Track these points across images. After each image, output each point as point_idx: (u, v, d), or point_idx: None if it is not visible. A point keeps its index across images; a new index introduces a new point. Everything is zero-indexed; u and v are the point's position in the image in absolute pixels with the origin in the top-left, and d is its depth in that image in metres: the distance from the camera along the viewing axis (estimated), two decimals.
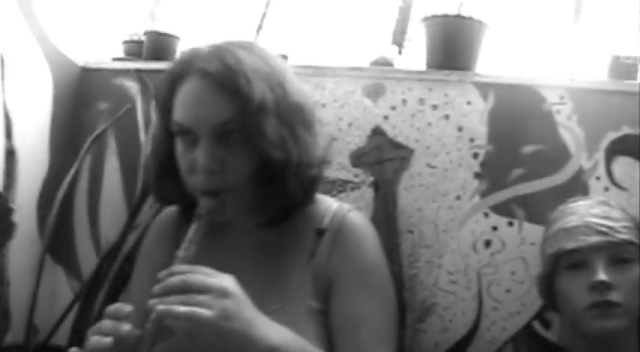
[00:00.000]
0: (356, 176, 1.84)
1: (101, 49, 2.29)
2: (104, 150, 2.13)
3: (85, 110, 2.19)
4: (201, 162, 1.15)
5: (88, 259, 2.10)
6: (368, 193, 1.83)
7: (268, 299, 1.18)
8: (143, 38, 2.24)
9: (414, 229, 1.79)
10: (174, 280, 1.03)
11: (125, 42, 2.29)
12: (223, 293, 1.03)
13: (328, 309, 1.23)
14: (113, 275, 1.89)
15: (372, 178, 1.83)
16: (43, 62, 2.09)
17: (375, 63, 1.92)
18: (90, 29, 2.25)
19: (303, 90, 1.28)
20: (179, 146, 1.21)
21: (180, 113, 1.19)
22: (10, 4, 1.93)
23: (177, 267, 1.07)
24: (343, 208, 1.31)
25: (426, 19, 1.86)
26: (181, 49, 2.19)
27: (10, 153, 1.84)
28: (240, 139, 1.17)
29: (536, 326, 1.69)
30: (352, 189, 1.84)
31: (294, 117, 1.22)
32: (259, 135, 1.16)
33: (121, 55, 2.30)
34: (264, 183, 1.19)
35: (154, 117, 1.98)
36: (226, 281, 1.05)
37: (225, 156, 1.17)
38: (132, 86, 2.12)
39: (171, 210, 1.41)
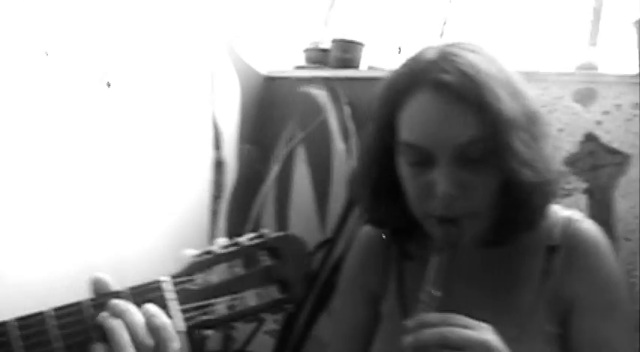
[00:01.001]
0: (568, 183, 1.80)
1: (281, 58, 2.32)
2: (293, 158, 2.15)
3: (270, 118, 2.21)
4: (441, 188, 1.02)
5: None
6: (581, 200, 1.79)
7: (503, 326, 1.03)
8: (325, 46, 2.25)
9: (631, 236, 1.74)
10: (430, 334, 0.93)
11: (307, 50, 2.30)
12: (486, 349, 0.93)
13: (567, 333, 1.11)
14: (318, 287, 1.89)
15: (585, 185, 1.79)
16: (232, 72, 2.13)
17: (582, 67, 1.87)
18: (268, 38, 2.28)
19: (533, 97, 1.13)
20: (404, 168, 1.09)
21: (411, 132, 1.05)
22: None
23: (429, 317, 0.97)
24: (573, 218, 1.18)
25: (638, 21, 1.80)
26: (366, 55, 2.19)
27: (219, 164, 1.87)
28: (484, 159, 1.03)
29: None
30: (564, 196, 1.80)
31: (536, 129, 1.09)
32: (511, 154, 1.02)
33: (302, 63, 2.31)
34: (507, 204, 1.07)
35: (350, 126, 1.98)
36: (488, 334, 0.95)
37: (468, 180, 1.03)
38: (320, 94, 2.13)
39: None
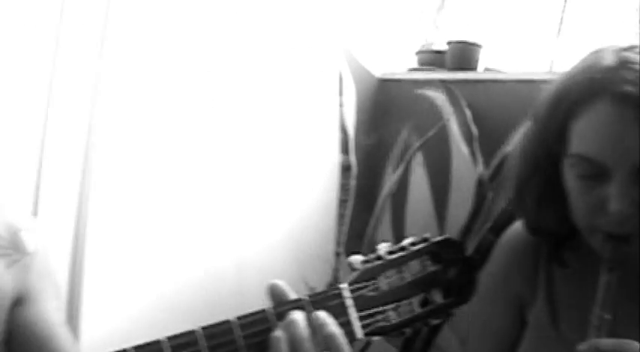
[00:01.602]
0: None
1: (392, 60, 2.30)
2: (410, 162, 2.12)
3: (385, 121, 2.19)
4: (615, 206, 0.97)
5: None
6: None
7: None
8: (438, 47, 2.22)
9: None
10: None
11: (419, 52, 2.27)
12: None
13: None
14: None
15: None
16: (349, 75, 2.12)
17: None
18: (380, 41, 2.26)
19: None
20: (573, 180, 1.04)
21: (586, 145, 1.00)
22: None
23: (602, 342, 0.93)
24: None
25: None
26: (484, 57, 2.14)
27: (347, 168, 1.85)
28: None
29: None
30: None
31: None
32: None
33: (415, 65, 2.28)
34: None
35: (473, 130, 1.94)
36: None
37: None
38: (437, 97, 2.09)
39: (518, 227, 1.25)
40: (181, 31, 1.73)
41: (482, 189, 1.88)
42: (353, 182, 1.92)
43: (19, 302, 1.07)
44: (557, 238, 1.14)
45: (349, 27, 2.12)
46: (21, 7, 1.18)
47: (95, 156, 1.61)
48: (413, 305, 0.88)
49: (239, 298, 1.78)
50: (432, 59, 2.22)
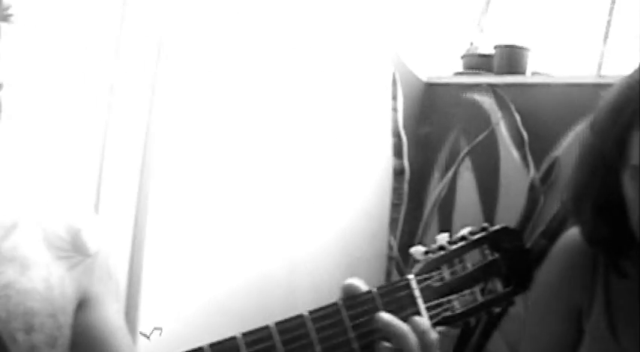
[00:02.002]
0: None
1: (437, 64, 2.31)
2: (458, 166, 2.12)
3: (432, 125, 2.20)
4: None
5: None
6: None
7: None
8: (485, 51, 2.22)
9: None
10: None
11: (465, 56, 2.27)
12: None
13: None
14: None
15: None
16: (397, 79, 2.13)
17: None
18: (425, 45, 2.27)
19: None
20: (633, 191, 1.03)
21: None
22: None
23: None
24: None
25: None
26: (532, 61, 2.14)
27: (400, 172, 1.86)
28: None
29: None
30: None
31: None
32: None
33: (460, 69, 2.29)
34: None
35: (523, 134, 1.93)
36: None
37: None
38: (485, 101, 2.09)
39: (574, 234, 1.21)
40: (238, 36, 1.77)
41: (534, 193, 1.87)
42: (406, 186, 1.92)
43: (81, 306, 1.04)
44: (615, 248, 1.12)
45: (397, 31, 2.13)
46: (83, 11, 1.22)
47: (152, 159, 1.65)
48: (475, 295, 0.88)
49: (290, 300, 1.80)
50: (478, 63, 2.22)
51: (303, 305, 0.85)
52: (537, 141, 1.93)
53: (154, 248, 1.66)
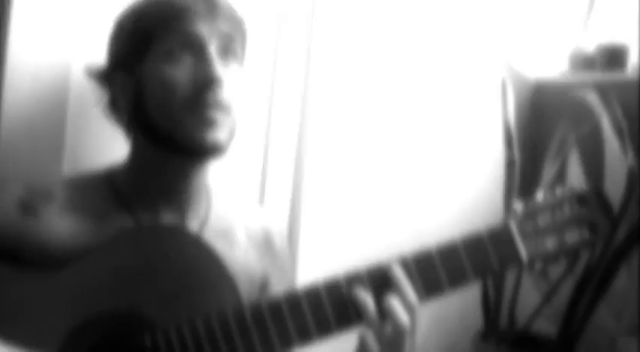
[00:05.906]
0: None
1: (544, 63, 2.46)
2: (566, 161, 2.27)
3: (540, 123, 2.35)
4: None
5: None
6: None
7: None
8: (589, 50, 2.35)
9: None
10: None
11: (571, 55, 2.42)
12: None
13: None
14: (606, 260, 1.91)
15: None
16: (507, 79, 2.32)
17: None
18: (531, 44, 2.43)
19: None
20: None
21: None
22: None
23: None
24: None
25: None
26: (635, 58, 2.27)
27: (511, 164, 2.06)
28: None
29: None
30: None
31: None
32: None
33: (566, 67, 2.43)
34: None
35: (624, 128, 2.07)
36: None
37: None
38: (591, 98, 2.22)
39: None
40: (368, 41, 2.05)
41: (632, 179, 2.01)
42: (517, 177, 2.10)
43: (262, 288, 1.39)
44: None
45: (505, 32, 2.32)
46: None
47: (305, 158, 1.96)
48: (567, 238, 1.14)
49: None
50: (584, 61, 2.37)
51: None
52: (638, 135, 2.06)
53: (308, 235, 1.96)
